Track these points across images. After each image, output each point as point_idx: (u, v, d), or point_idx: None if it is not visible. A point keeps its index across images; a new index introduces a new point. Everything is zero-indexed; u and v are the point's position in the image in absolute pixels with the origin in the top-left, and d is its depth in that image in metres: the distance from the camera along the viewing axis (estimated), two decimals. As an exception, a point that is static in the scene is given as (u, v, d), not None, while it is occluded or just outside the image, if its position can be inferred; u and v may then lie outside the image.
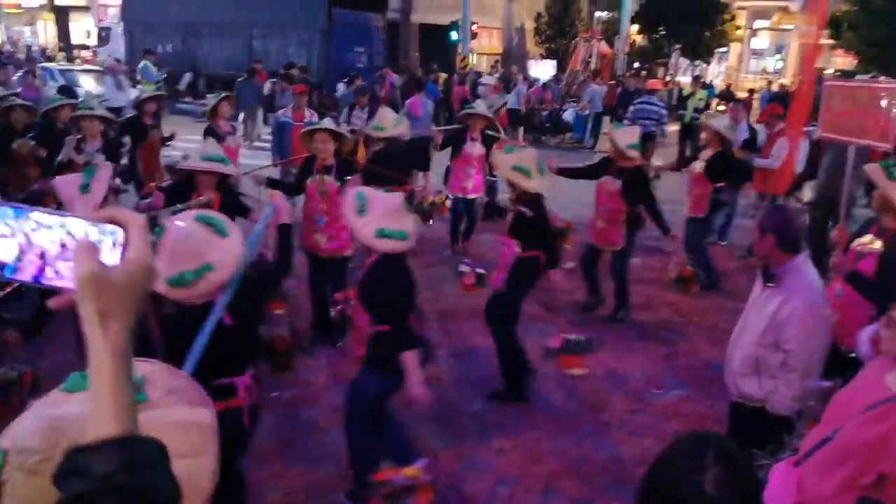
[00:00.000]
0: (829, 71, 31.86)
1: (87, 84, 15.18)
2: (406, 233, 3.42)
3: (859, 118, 3.87)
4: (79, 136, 6.13)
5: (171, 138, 7.93)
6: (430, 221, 7.34)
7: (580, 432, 4.54)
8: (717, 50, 33.14)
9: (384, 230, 3.34)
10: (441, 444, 4.32)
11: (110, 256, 0.84)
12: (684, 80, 21.99)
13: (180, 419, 1.18)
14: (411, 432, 4.07)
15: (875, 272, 3.53)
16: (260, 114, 14.84)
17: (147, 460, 0.81)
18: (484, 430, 4.52)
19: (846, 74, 25.44)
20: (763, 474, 2.25)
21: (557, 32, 28.71)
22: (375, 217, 3.38)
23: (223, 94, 7.61)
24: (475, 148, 7.41)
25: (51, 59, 24.46)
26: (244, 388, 2.91)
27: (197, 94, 18.57)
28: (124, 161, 6.84)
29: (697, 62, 30.58)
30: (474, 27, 22.42)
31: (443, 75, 18.31)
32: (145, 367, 1.28)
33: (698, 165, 6.80)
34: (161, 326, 2.77)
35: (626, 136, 6.01)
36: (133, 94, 12.95)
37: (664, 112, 12.55)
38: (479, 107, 7.26)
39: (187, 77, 19.37)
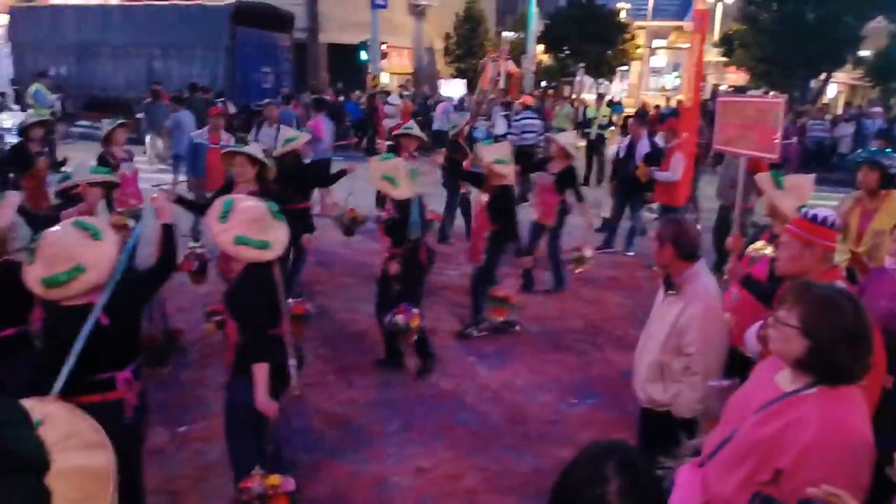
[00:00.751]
0: (723, 87, 33.81)
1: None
2: (268, 243, 3.36)
3: (748, 131, 4.10)
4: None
5: (62, 164, 7.55)
6: (353, 235, 7.30)
7: (499, 446, 4.56)
8: (619, 68, 34.58)
9: (243, 237, 3.30)
10: (358, 467, 4.26)
11: None
12: (590, 97, 22.75)
13: (76, 465, 1.17)
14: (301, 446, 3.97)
15: (767, 276, 3.71)
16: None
17: (5, 421, 0.77)
18: (402, 451, 4.47)
19: (738, 90, 27.08)
20: (669, 478, 2.31)
21: (466, 52, 29.24)
22: (236, 224, 3.34)
23: (119, 121, 7.30)
24: None
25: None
26: (123, 382, 3.01)
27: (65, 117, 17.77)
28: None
29: (601, 80, 31.78)
30: (384, 47, 22.49)
31: (360, 93, 18.29)
32: (48, 408, 1.25)
33: (546, 177, 7.00)
34: (42, 326, 2.89)
35: (494, 151, 6.16)
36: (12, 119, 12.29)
37: (541, 123, 13.31)
38: (414, 128, 7.26)
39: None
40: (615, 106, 21.36)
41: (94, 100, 19.35)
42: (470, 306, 6.39)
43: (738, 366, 3.28)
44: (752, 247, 4.01)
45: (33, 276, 2.83)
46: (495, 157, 6.05)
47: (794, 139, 16.38)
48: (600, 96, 17.78)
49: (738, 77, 34.94)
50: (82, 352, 2.71)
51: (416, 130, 7.19)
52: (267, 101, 9.91)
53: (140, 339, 3.25)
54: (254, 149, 5.26)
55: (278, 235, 3.45)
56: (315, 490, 4.01)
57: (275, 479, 3.17)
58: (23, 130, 7.19)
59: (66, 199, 4.67)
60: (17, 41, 21.35)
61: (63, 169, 7.24)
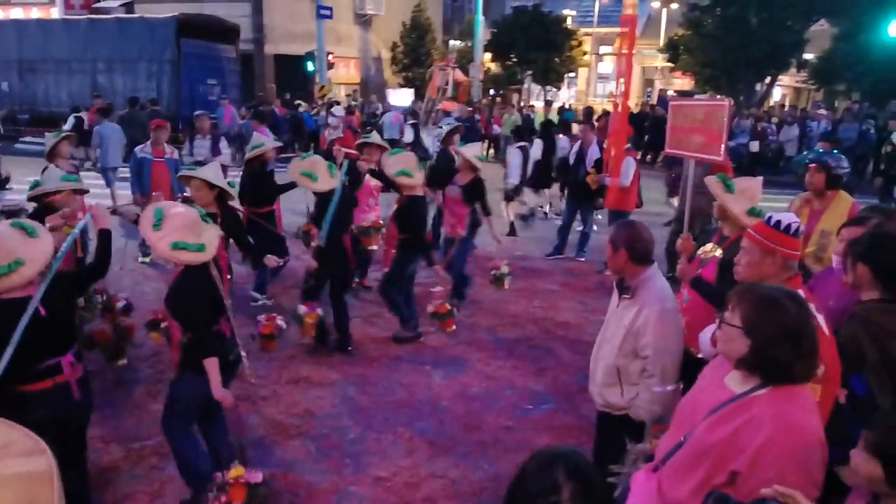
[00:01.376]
0: (670, 91, 34.59)
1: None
2: (203, 245, 3.54)
3: (697, 134, 4.19)
4: None
5: (6, 180, 7.35)
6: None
7: (456, 454, 4.55)
8: (566, 75, 35.07)
9: (179, 243, 3.46)
10: (316, 478, 4.21)
11: None
12: (539, 104, 23.02)
13: (17, 472, 1.19)
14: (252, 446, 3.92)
15: (716, 278, 3.79)
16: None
17: None
18: (360, 460, 4.44)
19: (684, 95, 27.74)
20: (623, 484, 2.33)
21: (414, 61, 29.31)
22: (171, 230, 3.49)
23: (63, 134, 7.13)
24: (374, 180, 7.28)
25: None
26: (68, 365, 3.32)
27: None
28: None
29: (549, 87, 32.18)
30: (330, 57, 22.38)
31: (309, 105, 18.13)
32: None
33: (454, 189, 7.00)
34: None
35: (399, 163, 6.31)
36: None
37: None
38: (374, 136, 7.24)
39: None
40: (566, 112, 21.68)
41: (38, 115, 18.81)
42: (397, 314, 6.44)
43: (690, 367, 3.34)
44: (701, 248, 4.09)
45: None
46: (399, 168, 6.10)
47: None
48: (548, 103, 18.03)
49: (684, 82, 35.83)
50: (27, 341, 2.99)
51: (377, 138, 7.19)
52: (198, 112, 9.77)
53: (75, 327, 3.58)
54: (211, 172, 5.03)
55: (211, 237, 3.63)
56: (270, 501, 3.91)
57: (239, 469, 3.31)
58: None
59: (41, 207, 4.71)
60: (-42, 57, 20.61)
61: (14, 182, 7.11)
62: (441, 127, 13.61)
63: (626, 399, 3.27)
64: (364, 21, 30.62)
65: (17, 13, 26.13)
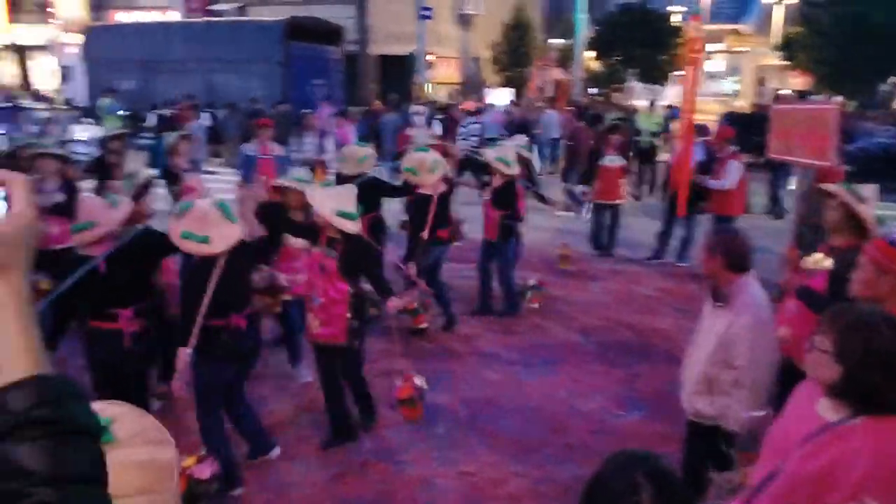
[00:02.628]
0: (786, 91, 32.86)
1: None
2: (208, 238, 3.68)
3: (803, 139, 3.99)
4: (38, 176, 6.02)
5: (134, 175, 7.92)
6: None
7: (542, 455, 4.53)
8: (673, 73, 33.96)
9: (185, 232, 3.69)
10: (403, 468, 4.32)
11: None
12: (642, 104, 22.44)
13: (143, 459, 1.27)
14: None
15: (826, 289, 3.61)
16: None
17: (62, 394, 0.86)
18: (446, 454, 4.51)
19: (801, 95, 26.30)
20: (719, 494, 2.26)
21: (514, 61, 29.19)
22: (185, 220, 3.72)
23: (181, 133, 7.58)
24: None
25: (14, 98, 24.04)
26: (125, 318, 3.80)
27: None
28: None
29: (654, 86, 31.30)
30: (431, 57, 22.67)
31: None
32: (115, 410, 1.35)
33: (486, 194, 6.88)
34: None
35: (503, 152, 6.52)
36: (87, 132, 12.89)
37: (479, 128, 14.09)
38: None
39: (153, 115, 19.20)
40: (673, 110, 20.87)
41: (161, 113, 20.06)
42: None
43: (795, 380, 3.19)
44: (808, 259, 3.90)
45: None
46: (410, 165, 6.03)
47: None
48: (651, 103, 17.53)
49: (800, 81, 33.96)
50: (86, 288, 3.55)
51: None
52: (305, 111, 10.13)
53: (144, 289, 3.97)
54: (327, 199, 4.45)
55: (223, 232, 3.74)
56: (361, 487, 4.13)
57: (191, 460, 3.51)
58: (102, 143, 7.52)
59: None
60: (90, 58, 22.29)
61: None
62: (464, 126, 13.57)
63: (717, 409, 3.17)
64: (465, 21, 30.80)
65: (141, 16, 28.00)
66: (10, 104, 15.80)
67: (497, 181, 6.72)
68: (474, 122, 13.78)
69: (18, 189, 0.92)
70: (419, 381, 4.35)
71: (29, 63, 34.00)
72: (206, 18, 23.28)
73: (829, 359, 1.94)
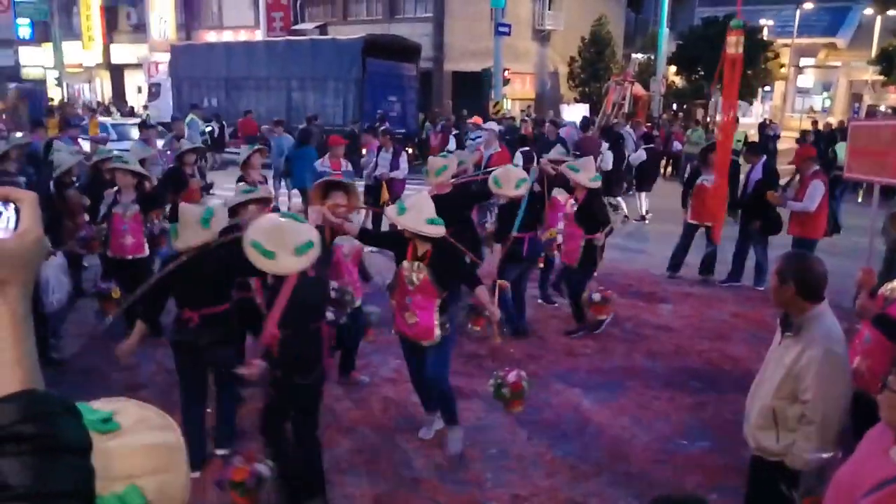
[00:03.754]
0: (882, 108, 31.20)
1: (135, 136, 15.77)
2: (273, 253, 3.65)
3: (882, 156, 3.74)
4: (115, 189, 6.34)
5: (210, 187, 8.28)
6: None
7: (599, 482, 4.38)
8: (761, 89, 32.77)
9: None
10: (456, 487, 4.26)
11: (3, 230, 0.92)
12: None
13: (149, 442, 1.28)
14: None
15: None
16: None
17: (50, 411, 0.86)
18: (500, 476, 4.42)
19: (897, 112, 24.88)
20: None
21: (591, 76, 28.83)
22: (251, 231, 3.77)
23: (256, 147, 7.84)
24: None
25: (108, 113, 25.53)
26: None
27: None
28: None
29: (739, 102, 30.33)
30: (506, 73, 22.67)
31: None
32: (116, 404, 1.36)
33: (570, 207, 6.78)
34: None
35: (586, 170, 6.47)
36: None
37: None
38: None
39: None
40: (764, 129, 19.94)
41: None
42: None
43: (872, 417, 2.98)
44: (887, 286, 3.64)
45: None
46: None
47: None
48: (734, 120, 16.97)
49: (897, 98, 32.21)
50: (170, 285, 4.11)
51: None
52: (383, 128, 10.32)
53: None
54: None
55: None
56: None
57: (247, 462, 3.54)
58: (178, 157, 7.88)
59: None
60: (176, 76, 23.44)
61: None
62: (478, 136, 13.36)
63: (782, 445, 2.96)
64: (542, 37, 30.70)
65: (227, 35, 29.25)
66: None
67: (579, 195, 6.62)
68: (479, 137, 13.69)
69: (28, 206, 0.94)
70: (262, 466, 3.52)
71: (125, 80, 36.03)
72: (288, 37, 24.06)
73: None
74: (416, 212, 4.27)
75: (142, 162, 6.79)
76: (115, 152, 7.18)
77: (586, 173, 6.52)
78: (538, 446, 4.79)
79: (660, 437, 4.97)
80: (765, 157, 8.89)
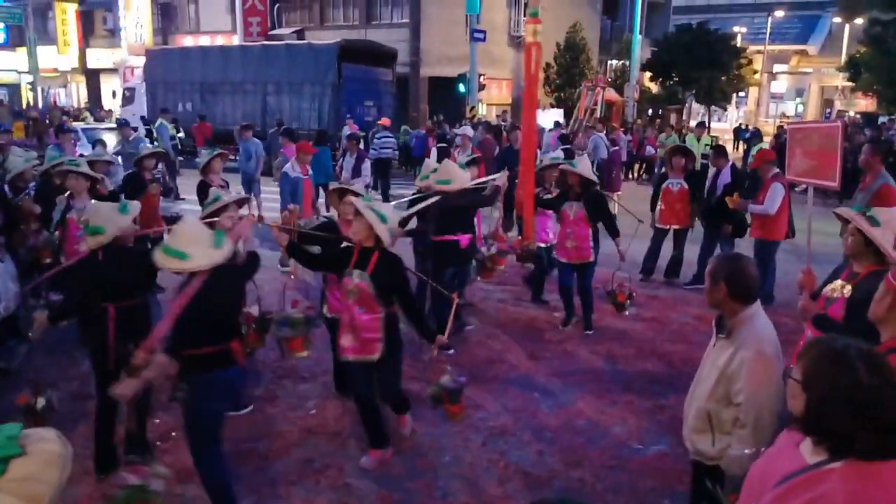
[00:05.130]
0: (851, 113, 31.64)
1: (110, 141, 15.54)
2: (185, 254, 3.49)
3: (813, 158, 3.79)
4: (68, 194, 6.23)
5: (171, 192, 8.16)
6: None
7: (552, 489, 4.34)
8: (735, 95, 33.13)
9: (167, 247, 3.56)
10: (405, 497, 4.21)
11: None
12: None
13: (32, 449, 1.36)
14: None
15: (844, 318, 3.37)
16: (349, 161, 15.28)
17: None
18: (451, 484, 4.37)
19: (867, 117, 25.27)
20: None
21: (567, 81, 28.98)
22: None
23: (216, 151, 7.76)
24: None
25: (77, 118, 25.22)
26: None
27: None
28: None
29: (713, 107, 30.64)
30: (482, 79, 22.71)
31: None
32: (42, 444, 1.42)
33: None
34: None
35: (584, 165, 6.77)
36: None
37: (394, 141, 16.53)
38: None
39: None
40: (741, 132, 20.06)
41: (216, 133, 20.63)
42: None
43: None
44: (828, 286, 3.65)
45: None
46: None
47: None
48: (700, 125, 17.16)
49: (867, 103, 32.69)
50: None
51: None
52: (349, 133, 10.29)
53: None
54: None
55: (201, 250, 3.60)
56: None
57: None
58: (137, 161, 7.75)
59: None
60: (150, 80, 23.19)
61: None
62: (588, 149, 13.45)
63: (718, 449, 2.96)
64: (518, 43, 30.77)
65: (204, 40, 29.07)
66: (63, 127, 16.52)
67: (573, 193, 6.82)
68: (388, 137, 15.40)
69: None
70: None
71: (101, 85, 35.68)
72: (265, 42, 23.95)
73: (799, 389, 1.80)
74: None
75: (92, 165, 6.67)
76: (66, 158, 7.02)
77: (584, 168, 6.85)
78: (492, 453, 4.74)
79: (616, 441, 4.95)
80: (731, 161, 8.95)
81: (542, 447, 4.85)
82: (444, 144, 15.08)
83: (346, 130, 15.64)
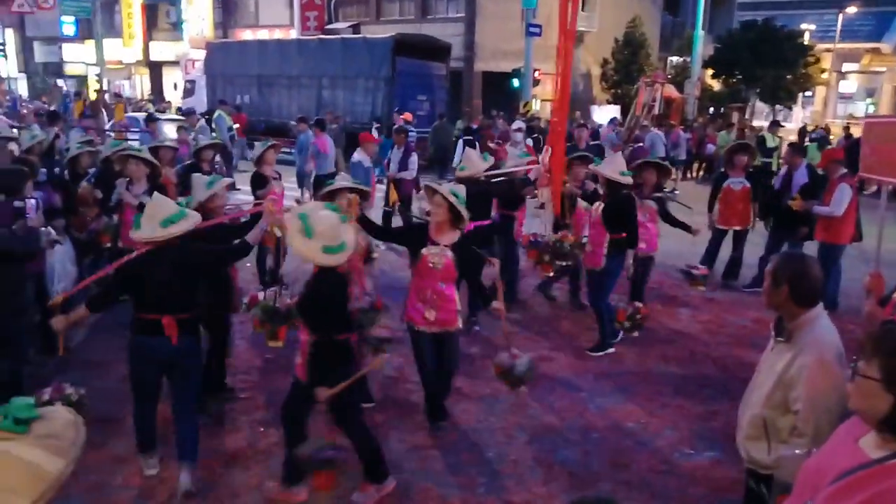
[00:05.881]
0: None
1: (170, 132, 15.93)
2: (344, 243, 3.70)
3: (890, 156, 3.56)
4: (127, 180, 6.38)
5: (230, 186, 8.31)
6: None
7: (598, 490, 4.24)
8: (801, 94, 31.98)
9: (328, 247, 3.62)
10: (447, 492, 4.17)
11: None
12: (763, 124, 21.35)
13: (28, 459, 1.29)
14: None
15: (916, 325, 3.17)
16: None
17: None
18: (495, 481, 4.31)
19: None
20: None
21: (624, 77, 28.43)
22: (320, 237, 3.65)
23: (270, 143, 7.84)
24: None
25: (140, 110, 25.96)
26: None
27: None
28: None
29: (778, 107, 29.62)
30: (536, 74, 22.45)
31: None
32: (57, 413, 1.45)
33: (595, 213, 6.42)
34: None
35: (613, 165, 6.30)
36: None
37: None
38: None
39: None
40: (808, 133, 19.19)
41: (272, 125, 20.96)
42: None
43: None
44: (898, 292, 3.46)
45: None
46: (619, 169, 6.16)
47: None
48: (774, 123, 16.60)
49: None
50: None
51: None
52: (397, 126, 10.34)
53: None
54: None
55: (350, 238, 3.83)
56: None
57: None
58: (195, 152, 7.89)
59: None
60: (210, 73, 23.73)
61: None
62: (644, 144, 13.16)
63: (773, 458, 2.80)
64: (575, 37, 30.44)
65: (263, 34, 29.54)
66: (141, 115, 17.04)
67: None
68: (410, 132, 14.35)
69: None
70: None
71: (163, 77, 36.71)
72: (321, 36, 24.21)
73: (878, 387, 1.69)
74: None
75: (154, 152, 6.81)
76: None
77: (612, 167, 6.29)
78: (537, 451, 4.66)
79: (666, 445, 4.82)
80: (806, 160, 8.56)
81: (589, 448, 4.75)
82: (470, 137, 14.96)
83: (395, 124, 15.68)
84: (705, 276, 6.67)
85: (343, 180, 5.18)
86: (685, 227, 7.01)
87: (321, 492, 3.93)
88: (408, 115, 16.57)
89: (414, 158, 10.18)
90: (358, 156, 9.15)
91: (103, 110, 19.03)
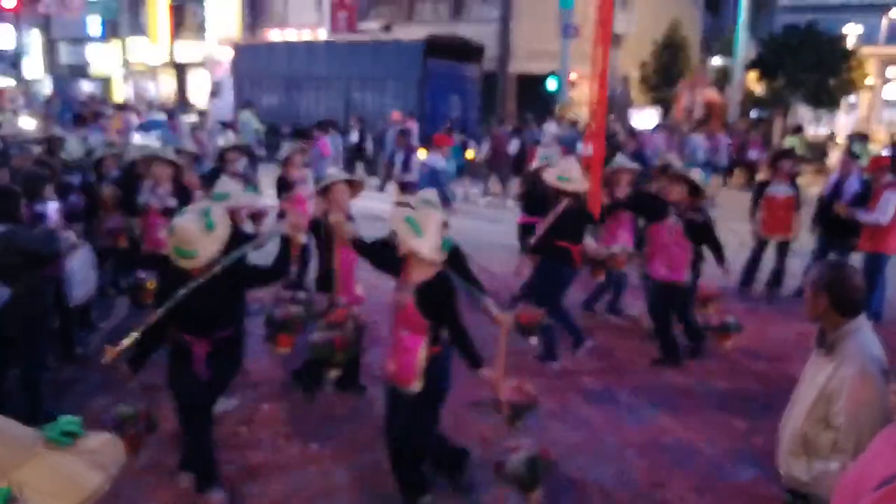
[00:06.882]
0: None
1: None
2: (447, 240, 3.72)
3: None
4: (152, 182, 6.31)
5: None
6: None
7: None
8: (844, 99, 31.10)
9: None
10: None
11: None
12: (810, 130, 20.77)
13: (69, 471, 1.37)
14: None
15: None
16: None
17: None
18: (522, 499, 4.07)
19: None
20: None
21: (664, 80, 27.89)
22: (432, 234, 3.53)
23: (298, 146, 7.76)
24: None
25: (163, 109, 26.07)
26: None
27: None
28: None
29: (822, 111, 28.86)
30: (573, 76, 22.11)
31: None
32: (98, 439, 1.49)
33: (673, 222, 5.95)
34: None
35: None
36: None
37: None
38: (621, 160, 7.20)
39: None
40: (855, 139, 18.53)
41: (299, 127, 20.90)
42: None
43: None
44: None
45: None
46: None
47: None
48: (797, 129, 16.17)
49: None
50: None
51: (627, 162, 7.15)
52: (399, 129, 10.29)
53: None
54: None
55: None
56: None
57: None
58: (220, 155, 7.82)
59: None
60: (238, 74, 23.71)
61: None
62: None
63: (812, 475, 2.66)
64: (613, 40, 29.96)
65: (291, 34, 29.45)
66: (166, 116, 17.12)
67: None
68: None
69: None
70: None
71: (188, 78, 36.77)
72: (350, 38, 24.13)
73: None
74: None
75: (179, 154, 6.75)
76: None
77: (556, 170, 5.95)
78: (570, 468, 4.46)
79: (704, 463, 4.60)
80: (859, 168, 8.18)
81: (625, 465, 4.55)
82: None
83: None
84: (739, 326, 5.89)
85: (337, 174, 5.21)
86: (717, 253, 6.16)
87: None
88: (396, 114, 16.25)
89: (415, 159, 10.08)
90: (432, 158, 9.07)
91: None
